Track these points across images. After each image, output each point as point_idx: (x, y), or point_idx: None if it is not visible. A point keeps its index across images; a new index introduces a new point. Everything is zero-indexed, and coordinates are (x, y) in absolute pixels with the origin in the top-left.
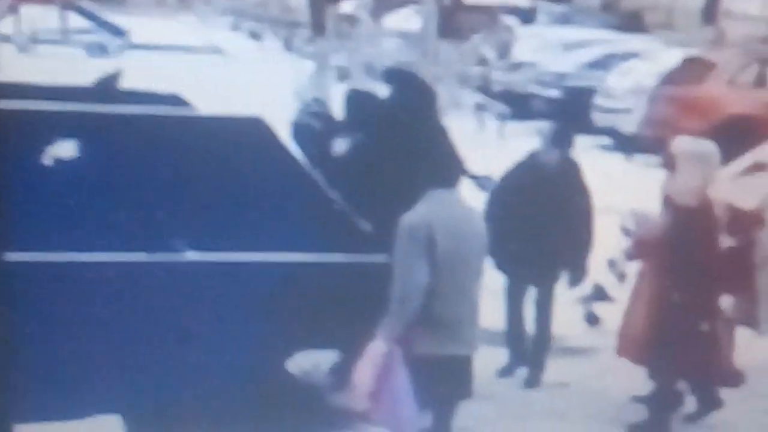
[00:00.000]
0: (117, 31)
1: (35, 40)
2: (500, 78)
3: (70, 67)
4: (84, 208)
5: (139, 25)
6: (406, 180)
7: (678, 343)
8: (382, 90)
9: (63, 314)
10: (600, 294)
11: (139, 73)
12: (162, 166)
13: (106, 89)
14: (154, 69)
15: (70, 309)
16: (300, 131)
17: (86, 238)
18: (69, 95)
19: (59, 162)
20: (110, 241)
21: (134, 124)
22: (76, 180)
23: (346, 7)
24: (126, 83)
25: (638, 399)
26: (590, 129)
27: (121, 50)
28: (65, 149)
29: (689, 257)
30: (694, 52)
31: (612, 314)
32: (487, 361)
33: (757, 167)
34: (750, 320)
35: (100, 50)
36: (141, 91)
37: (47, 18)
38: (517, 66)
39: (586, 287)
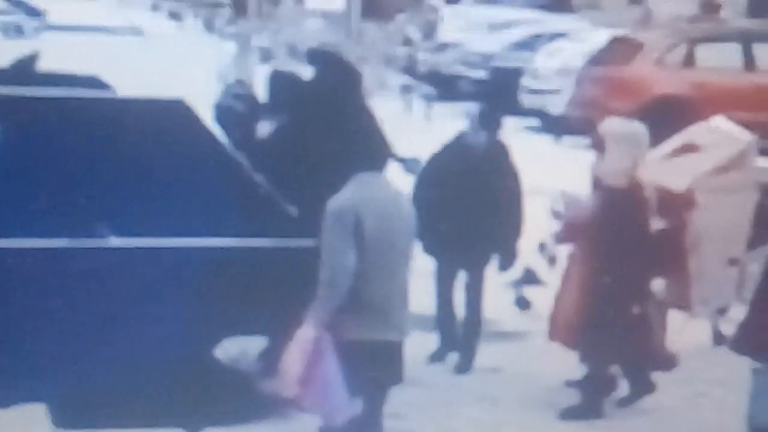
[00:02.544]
0: (33, 12)
1: None
2: (426, 59)
3: None
4: (3, 193)
5: (56, 6)
6: (332, 163)
7: (610, 327)
8: (306, 71)
9: None
10: (530, 278)
11: (56, 55)
12: (82, 150)
13: (23, 71)
14: (72, 50)
15: None
16: (223, 114)
17: (6, 223)
18: None
19: None
20: (31, 226)
21: (53, 107)
22: None
23: None
24: (43, 65)
25: (571, 383)
26: (518, 110)
27: (38, 31)
28: None
29: (619, 240)
30: (621, 32)
31: (543, 298)
32: (418, 346)
33: (686, 148)
34: (682, 303)
35: (16, 31)
36: (59, 73)
37: None
38: (442, 46)
39: (516, 271)
